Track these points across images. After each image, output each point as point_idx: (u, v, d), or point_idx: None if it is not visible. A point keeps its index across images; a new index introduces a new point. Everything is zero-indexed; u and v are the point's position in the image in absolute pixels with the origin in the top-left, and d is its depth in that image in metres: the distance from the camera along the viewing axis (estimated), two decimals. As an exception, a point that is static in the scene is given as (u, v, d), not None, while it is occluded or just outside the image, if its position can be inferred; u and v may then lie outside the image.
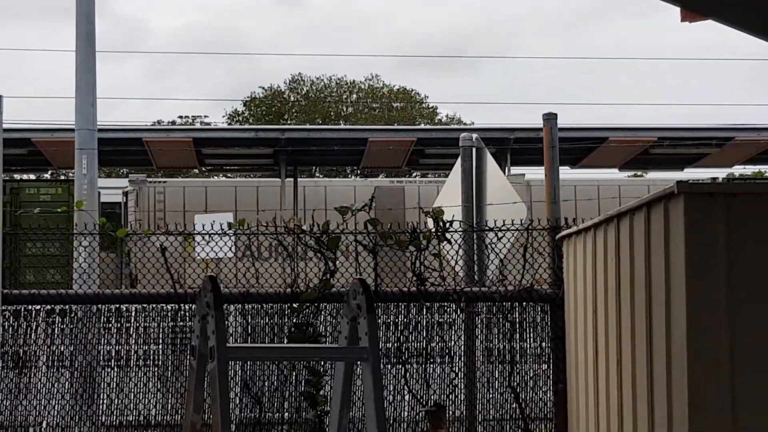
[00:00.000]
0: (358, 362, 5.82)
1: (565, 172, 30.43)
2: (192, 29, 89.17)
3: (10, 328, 10.42)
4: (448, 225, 10.43)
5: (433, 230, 10.43)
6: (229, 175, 36.65)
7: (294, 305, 10.17)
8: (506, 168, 27.43)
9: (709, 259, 6.23)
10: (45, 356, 10.58)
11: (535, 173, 30.46)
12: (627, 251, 7.42)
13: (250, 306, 10.35)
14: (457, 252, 10.64)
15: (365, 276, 10.07)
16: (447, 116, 61.34)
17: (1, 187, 4.78)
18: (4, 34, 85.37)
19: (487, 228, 10.80)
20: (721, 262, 6.22)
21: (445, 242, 10.48)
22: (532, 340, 10.77)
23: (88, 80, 18.94)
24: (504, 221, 10.66)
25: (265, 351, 7.52)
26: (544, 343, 10.70)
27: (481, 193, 11.75)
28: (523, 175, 29.35)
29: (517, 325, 10.72)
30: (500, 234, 10.59)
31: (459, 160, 12.01)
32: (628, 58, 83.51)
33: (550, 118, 11.14)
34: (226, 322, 10.15)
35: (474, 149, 11.89)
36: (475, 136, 12.07)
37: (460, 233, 10.69)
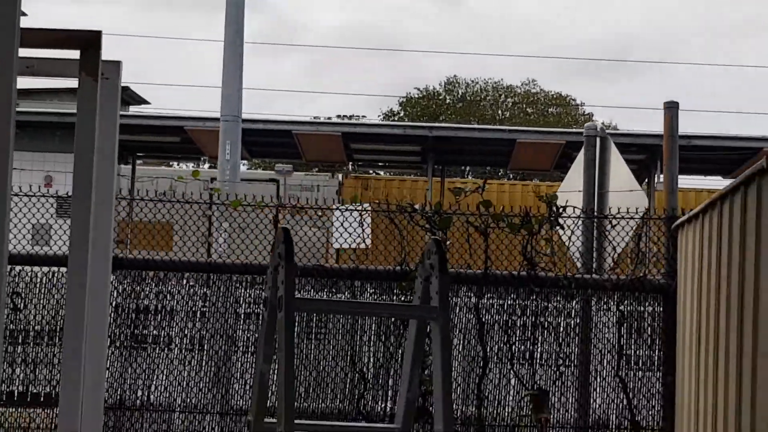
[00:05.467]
0: (429, 321, 5.81)
1: (717, 182, 29.86)
2: (350, 28, 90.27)
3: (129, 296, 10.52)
4: (561, 210, 10.32)
5: (546, 215, 10.34)
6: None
7: (403, 283, 10.19)
8: (656, 175, 26.98)
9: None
10: (177, 337, 10.55)
11: (686, 181, 29.94)
12: (727, 235, 7.22)
13: (358, 283, 10.38)
14: (569, 238, 10.53)
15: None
16: (603, 123, 60.68)
17: (116, 159, 4.93)
18: (160, 23, 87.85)
19: (601, 215, 10.66)
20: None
21: (557, 227, 10.38)
22: (642, 330, 10.59)
23: (234, 70, 19.41)
24: (627, 209, 10.50)
25: (334, 304, 7.54)
26: (654, 335, 10.51)
27: (604, 181, 11.64)
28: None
29: (628, 315, 10.55)
30: (614, 222, 10.44)
31: (582, 149, 11.93)
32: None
33: (672, 106, 10.94)
34: (337, 297, 10.22)
35: (598, 138, 11.80)
36: (599, 125, 11.97)
37: (574, 219, 10.58)
